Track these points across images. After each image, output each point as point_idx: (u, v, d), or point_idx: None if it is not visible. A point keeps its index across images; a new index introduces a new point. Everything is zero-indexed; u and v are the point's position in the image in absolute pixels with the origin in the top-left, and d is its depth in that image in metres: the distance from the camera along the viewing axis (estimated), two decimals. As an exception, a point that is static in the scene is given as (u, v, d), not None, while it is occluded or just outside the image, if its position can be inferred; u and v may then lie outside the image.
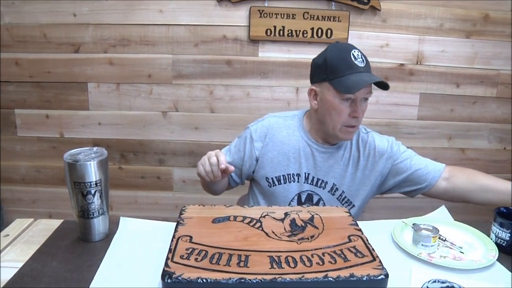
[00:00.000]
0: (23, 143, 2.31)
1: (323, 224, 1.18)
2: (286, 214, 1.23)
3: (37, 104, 2.24)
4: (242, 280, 0.90)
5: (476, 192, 1.36)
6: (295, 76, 2.20)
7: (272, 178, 1.42)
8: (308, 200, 1.43)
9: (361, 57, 1.29)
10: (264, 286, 0.91)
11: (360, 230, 1.14)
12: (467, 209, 2.44)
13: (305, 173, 1.40)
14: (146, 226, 1.23)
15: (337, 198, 1.42)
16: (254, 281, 0.90)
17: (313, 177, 1.41)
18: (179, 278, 0.90)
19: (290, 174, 1.41)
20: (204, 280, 0.89)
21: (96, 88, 2.21)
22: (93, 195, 1.08)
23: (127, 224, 1.22)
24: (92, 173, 1.07)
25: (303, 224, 1.17)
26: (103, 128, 2.28)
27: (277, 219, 1.20)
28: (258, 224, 1.16)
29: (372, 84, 1.29)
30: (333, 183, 1.41)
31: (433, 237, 1.09)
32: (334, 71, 1.27)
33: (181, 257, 0.98)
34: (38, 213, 2.41)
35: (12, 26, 2.13)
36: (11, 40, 2.15)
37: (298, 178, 1.41)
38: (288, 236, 1.10)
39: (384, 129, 2.21)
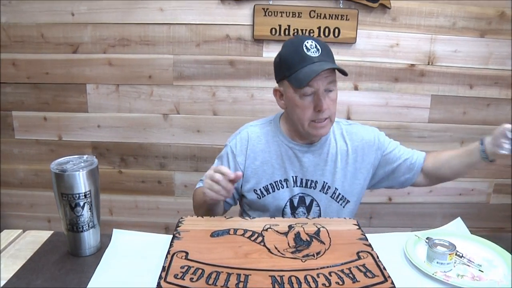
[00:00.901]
0: (21, 146, 2.24)
1: (330, 238, 1.10)
2: (290, 227, 1.16)
3: (35, 106, 2.17)
4: (241, 305, 0.82)
5: (444, 168, 1.35)
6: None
7: (260, 189, 1.35)
8: (300, 203, 1.37)
9: (315, 47, 1.22)
10: (265, 312, 0.83)
11: (369, 245, 1.06)
12: (484, 217, 2.37)
13: (292, 176, 1.35)
14: (140, 239, 1.15)
15: (330, 197, 1.36)
16: (254, 305, 0.82)
17: (302, 179, 1.35)
18: (172, 301, 0.82)
19: (277, 181, 1.35)
20: (199, 304, 0.82)
21: (95, 89, 2.14)
22: (82, 208, 1.01)
23: (120, 237, 1.14)
24: (81, 184, 0.99)
25: (308, 239, 1.09)
26: (102, 130, 2.21)
27: (281, 233, 1.12)
28: (260, 239, 1.09)
29: (341, 74, 1.22)
30: (324, 181, 1.35)
31: (449, 254, 1.00)
32: (289, 67, 1.22)
33: (175, 276, 0.90)
34: (37, 217, 2.35)
35: (9, 25, 2.06)
36: (8, 40, 2.08)
37: (286, 184, 1.35)
38: (292, 253, 1.02)
39: (394, 132, 2.12)
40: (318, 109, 1.22)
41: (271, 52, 2.08)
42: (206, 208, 1.31)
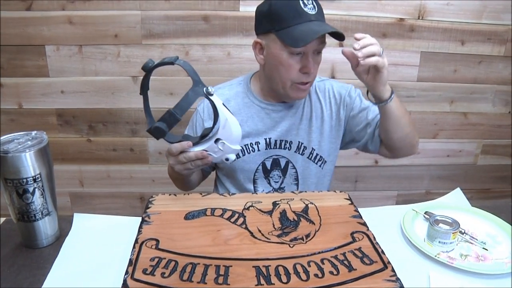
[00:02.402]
0: (-23, 116, 2.05)
1: (319, 217, 0.98)
2: (275, 204, 1.04)
3: (-13, 70, 1.96)
4: (221, 305, 0.70)
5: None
6: (281, 34, 1.95)
7: None
8: (274, 166, 1.29)
9: (312, 3, 1.10)
10: (249, 312, 0.72)
11: (364, 224, 0.95)
12: (470, 178, 2.30)
13: (265, 138, 1.26)
14: (105, 224, 1.01)
15: (307, 158, 1.28)
16: (236, 305, 0.70)
17: (276, 140, 1.27)
18: (140, 305, 0.70)
19: (247, 145, 1.26)
20: (172, 307, 0.69)
21: (56, 51, 1.92)
22: (32, 194, 0.86)
23: (82, 223, 1.01)
24: (29, 166, 0.84)
25: (295, 218, 0.98)
26: (67, 96, 2.01)
27: (264, 212, 1.01)
28: (241, 220, 0.97)
29: (326, 34, 1.10)
30: (299, 142, 1.27)
31: (453, 233, 0.90)
32: (280, 20, 1.10)
33: (144, 271, 0.78)
34: None
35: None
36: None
37: (258, 146, 1.26)
38: (278, 236, 0.90)
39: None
40: (306, 71, 1.12)
41: (248, 6, 1.89)
42: (183, 180, 1.25)
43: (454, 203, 1.12)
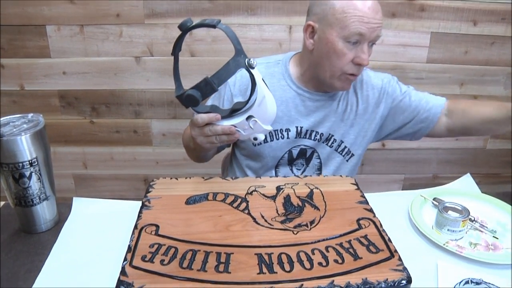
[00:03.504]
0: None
1: (325, 202, 0.96)
2: (278, 188, 1.01)
3: (-12, 51, 1.92)
4: (221, 294, 0.68)
5: (476, 125, 1.16)
6: (287, 12, 1.89)
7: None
8: (300, 155, 1.24)
9: None
10: (251, 302, 0.70)
11: (371, 210, 0.92)
12: (480, 162, 2.25)
13: (296, 127, 1.20)
14: (105, 208, 0.99)
15: (335, 150, 1.23)
16: (237, 294, 0.68)
17: (306, 130, 1.21)
18: (138, 293, 0.68)
19: (278, 130, 1.20)
20: (171, 296, 0.67)
21: (57, 31, 1.88)
22: (29, 178, 0.84)
23: (81, 207, 0.98)
24: (25, 150, 0.82)
25: (300, 204, 0.95)
26: (69, 78, 1.98)
27: (268, 197, 0.98)
28: (244, 205, 0.94)
29: None
30: (330, 134, 1.21)
31: (462, 221, 0.87)
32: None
33: (143, 258, 0.75)
34: None
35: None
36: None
37: (288, 134, 1.20)
38: (282, 222, 0.88)
39: (389, 73, 1.93)
40: (359, 62, 1.05)
41: (253, -15, 1.84)
42: (198, 153, 1.21)
43: (463, 189, 1.08)
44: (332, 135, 1.22)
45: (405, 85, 1.26)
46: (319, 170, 1.25)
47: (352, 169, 1.28)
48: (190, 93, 0.85)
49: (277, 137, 1.20)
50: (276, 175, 1.25)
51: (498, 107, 1.09)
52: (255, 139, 0.95)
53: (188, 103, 0.87)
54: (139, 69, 1.98)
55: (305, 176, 1.08)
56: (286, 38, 1.94)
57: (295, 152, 1.23)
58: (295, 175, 1.24)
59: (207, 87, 0.85)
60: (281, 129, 1.20)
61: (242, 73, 1.16)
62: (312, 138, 1.21)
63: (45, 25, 1.87)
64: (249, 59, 0.86)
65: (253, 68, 0.87)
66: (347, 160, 1.25)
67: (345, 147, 1.23)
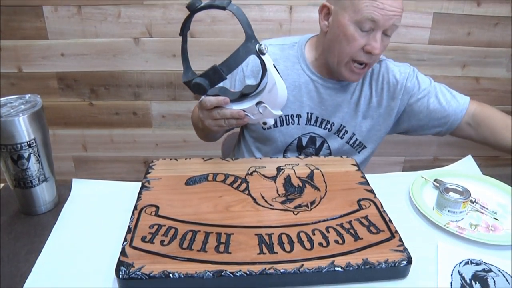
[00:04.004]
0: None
1: (325, 183, 0.95)
2: (279, 169, 1.01)
3: (-15, 33, 1.90)
4: (222, 274, 0.68)
5: (501, 148, 1.12)
6: (288, -7, 1.87)
7: None
8: (310, 143, 1.21)
9: None
10: (251, 281, 0.70)
11: (372, 191, 0.92)
12: (480, 145, 2.24)
13: (307, 113, 1.17)
14: (104, 189, 0.98)
15: (346, 142, 1.20)
16: (238, 274, 0.68)
17: (317, 117, 1.18)
18: (138, 273, 0.68)
19: (288, 116, 1.17)
20: (171, 276, 0.68)
21: (54, 12, 1.86)
22: (28, 160, 0.83)
23: (81, 188, 0.98)
24: (23, 131, 0.81)
25: (300, 184, 0.95)
26: (67, 59, 1.96)
27: (268, 177, 0.98)
28: (244, 186, 0.94)
29: None
30: (341, 125, 1.18)
31: (463, 202, 0.87)
32: None
33: (143, 239, 0.75)
34: None
35: None
36: None
37: (298, 120, 1.18)
38: (282, 203, 0.88)
39: (390, 54, 1.88)
40: (369, 49, 1.00)
41: (254, -36, 1.81)
42: (207, 133, 1.19)
43: (465, 171, 1.08)
44: (344, 126, 1.18)
45: (427, 77, 1.20)
46: None
47: (363, 161, 1.25)
48: (198, 81, 0.83)
49: (288, 123, 1.18)
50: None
51: None
52: (265, 123, 0.93)
53: (195, 91, 0.85)
54: (138, 50, 1.96)
55: (306, 157, 1.07)
56: (287, 19, 1.92)
57: (304, 139, 1.20)
58: None
59: (216, 75, 0.83)
60: (292, 115, 1.17)
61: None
62: (323, 127, 1.19)
63: (42, 6, 1.85)
64: (260, 45, 0.83)
65: (263, 54, 0.84)
66: (358, 152, 1.22)
67: (357, 139, 1.20)
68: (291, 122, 1.18)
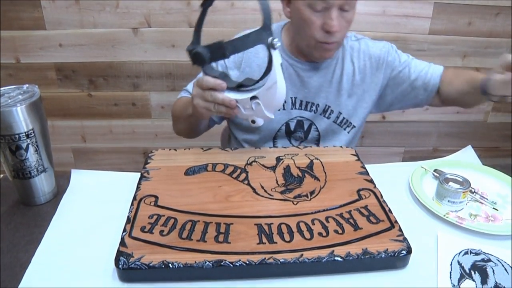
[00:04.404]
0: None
1: (325, 173, 0.95)
2: (278, 159, 1.00)
3: (-18, 23, 1.88)
4: (221, 264, 0.68)
5: (460, 97, 1.14)
6: (287, -18, 1.85)
7: None
8: (298, 127, 1.22)
9: None
10: (250, 271, 0.70)
11: (371, 181, 0.91)
12: (480, 136, 2.24)
13: (291, 97, 1.18)
14: (103, 180, 0.98)
15: (333, 121, 1.21)
16: (237, 264, 0.68)
17: (301, 101, 1.19)
18: (137, 263, 0.68)
19: None
20: (171, 265, 0.68)
21: (51, 2, 1.83)
22: (26, 150, 0.82)
23: (80, 179, 0.97)
24: (21, 121, 0.80)
25: (300, 174, 0.94)
26: (65, 50, 1.95)
27: (268, 167, 0.97)
28: (244, 175, 0.94)
29: None
30: (326, 105, 1.19)
31: (463, 192, 0.87)
32: None
33: (142, 229, 0.75)
34: None
35: None
36: None
37: (284, 105, 1.18)
38: (282, 193, 0.87)
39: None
40: (327, 28, 1.01)
41: (253, -47, 1.79)
42: (190, 123, 1.14)
43: (464, 161, 1.07)
44: (329, 106, 1.20)
45: (404, 53, 1.23)
46: (318, 141, 1.24)
47: (351, 140, 1.26)
48: (200, 51, 0.81)
49: None
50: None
51: (470, 79, 1.06)
52: (253, 122, 0.92)
53: (195, 61, 0.84)
54: (137, 41, 1.95)
55: (305, 147, 1.07)
56: (286, 9, 1.90)
57: (292, 124, 1.21)
58: (293, 145, 1.23)
59: (219, 50, 0.81)
60: None
61: None
62: (309, 109, 1.20)
63: (39, -4, 1.83)
64: (274, 39, 0.80)
65: (274, 49, 0.81)
66: (348, 132, 1.23)
67: (344, 118, 1.21)
68: None
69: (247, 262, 0.68)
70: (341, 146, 1.08)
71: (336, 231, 0.75)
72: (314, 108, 1.19)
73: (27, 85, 0.86)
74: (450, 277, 0.71)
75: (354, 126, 1.23)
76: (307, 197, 0.86)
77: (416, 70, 1.19)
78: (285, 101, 1.17)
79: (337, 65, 1.18)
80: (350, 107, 1.20)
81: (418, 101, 1.22)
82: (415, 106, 1.26)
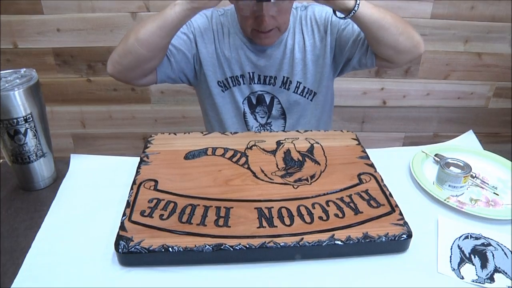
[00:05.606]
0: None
1: (325, 157, 0.95)
2: (278, 143, 1.00)
3: (-21, 8, 1.86)
4: (221, 247, 0.68)
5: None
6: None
7: (223, 81, 1.22)
8: (260, 102, 1.25)
9: None
10: (250, 255, 0.70)
11: (372, 165, 0.91)
12: (481, 122, 2.23)
13: (249, 72, 1.21)
14: (103, 164, 0.98)
15: (293, 92, 1.22)
16: (237, 247, 0.68)
17: (259, 75, 1.21)
18: (137, 247, 0.68)
19: (233, 77, 1.22)
20: (171, 249, 0.67)
21: (49, -15, 1.82)
22: (24, 135, 0.82)
23: (79, 163, 0.97)
24: (19, 105, 0.80)
25: (300, 158, 0.94)
26: (63, 35, 1.92)
27: (268, 152, 0.97)
28: (244, 160, 0.93)
29: None
30: (284, 76, 1.21)
31: (464, 176, 0.86)
32: None
33: (142, 213, 0.75)
34: None
35: None
36: None
37: (243, 80, 1.22)
38: (282, 176, 0.87)
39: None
40: (257, 28, 1.06)
41: None
42: (140, 53, 1.06)
43: (466, 146, 1.07)
44: (288, 78, 1.21)
45: None
46: (283, 114, 1.26)
47: (321, 111, 1.26)
48: None
49: (234, 84, 1.22)
50: (248, 129, 1.27)
51: None
52: None
53: None
54: (135, 26, 1.92)
55: (306, 131, 1.06)
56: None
57: (253, 98, 1.24)
58: (260, 124, 1.26)
59: None
60: (236, 76, 1.21)
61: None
62: (267, 83, 1.22)
63: (36, -21, 1.80)
64: None
65: None
66: (310, 100, 1.23)
67: (304, 87, 1.22)
68: (237, 83, 1.22)
69: (247, 246, 0.68)
70: (341, 130, 1.07)
71: (336, 215, 0.75)
72: (272, 81, 1.21)
73: (24, 69, 0.85)
74: (450, 261, 0.71)
75: (315, 93, 1.23)
76: (308, 181, 0.85)
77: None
78: (243, 76, 1.21)
79: (288, 36, 1.19)
80: (308, 75, 1.21)
81: (364, 60, 1.14)
82: (364, 66, 1.17)
